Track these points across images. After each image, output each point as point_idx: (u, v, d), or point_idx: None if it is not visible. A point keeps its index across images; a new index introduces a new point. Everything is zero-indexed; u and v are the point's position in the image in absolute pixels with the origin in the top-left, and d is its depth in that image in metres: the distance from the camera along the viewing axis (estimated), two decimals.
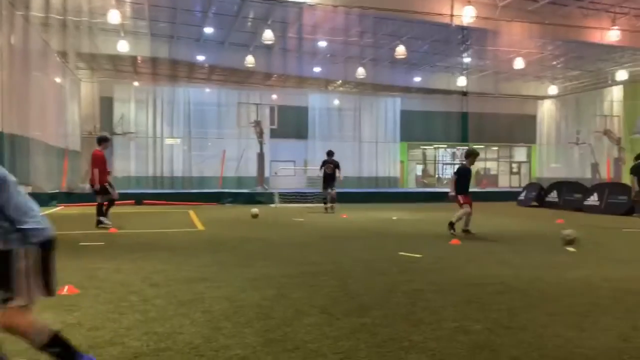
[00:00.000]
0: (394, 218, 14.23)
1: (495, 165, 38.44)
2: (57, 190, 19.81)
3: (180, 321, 4.25)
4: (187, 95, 33.48)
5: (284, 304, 4.84)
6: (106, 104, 31.76)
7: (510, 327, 4.25)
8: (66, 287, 5.13)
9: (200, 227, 11.84)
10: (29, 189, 18.19)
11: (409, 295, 5.28)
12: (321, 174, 16.26)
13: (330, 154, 16.25)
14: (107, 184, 10.92)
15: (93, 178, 10.78)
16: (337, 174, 16.01)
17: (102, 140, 11.32)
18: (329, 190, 15.76)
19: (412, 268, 6.78)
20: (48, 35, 22.75)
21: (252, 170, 30.68)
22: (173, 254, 7.76)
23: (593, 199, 17.15)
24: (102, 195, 10.92)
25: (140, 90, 32.82)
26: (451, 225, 10.08)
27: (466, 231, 10.21)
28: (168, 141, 33.23)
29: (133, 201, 18.28)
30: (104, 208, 10.93)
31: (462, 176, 10.42)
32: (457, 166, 35.89)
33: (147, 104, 32.81)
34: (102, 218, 10.79)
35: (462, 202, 10.17)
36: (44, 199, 17.33)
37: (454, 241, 9.10)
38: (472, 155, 10.61)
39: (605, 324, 4.32)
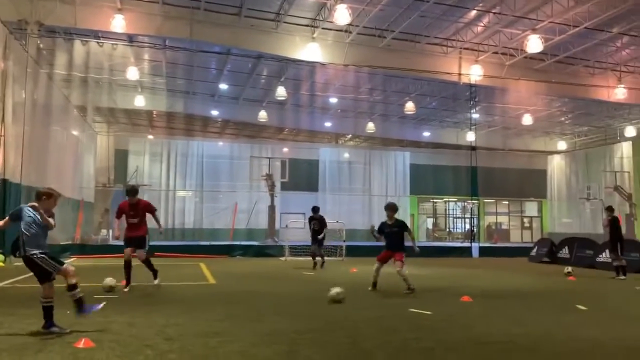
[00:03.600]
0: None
1: (506, 220, 38.36)
2: (69, 242, 20.05)
3: None
4: (201, 149, 34.19)
5: None
6: (121, 157, 32.48)
7: None
8: (83, 340, 5.24)
9: (211, 280, 11.92)
10: None
11: (420, 352, 5.33)
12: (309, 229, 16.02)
13: (315, 209, 16.05)
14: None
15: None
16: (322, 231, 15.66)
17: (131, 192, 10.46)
18: (316, 246, 15.49)
19: (422, 325, 6.80)
20: (68, 91, 23.64)
21: (262, 223, 30.87)
22: (186, 307, 7.85)
23: (605, 256, 17.01)
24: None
25: (154, 143, 33.62)
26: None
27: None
28: (180, 193, 33.69)
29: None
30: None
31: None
32: (468, 219, 36.15)
33: (161, 156, 33.51)
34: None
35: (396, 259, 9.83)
36: (56, 250, 17.53)
37: (465, 298, 9.10)
38: (388, 209, 10.12)
39: None
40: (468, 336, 6.16)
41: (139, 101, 28.46)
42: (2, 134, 15.79)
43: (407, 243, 10.23)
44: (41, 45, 19.98)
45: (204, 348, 5.29)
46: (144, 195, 31.65)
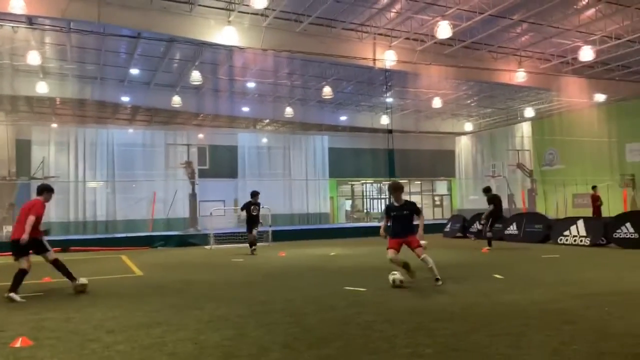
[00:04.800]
0: (332, 254, 14.60)
1: (419, 199, 40.15)
2: None
3: None
4: (111, 137, 32.68)
5: (246, 343, 5.01)
6: (23, 147, 30.33)
7: (457, 349, 4.68)
8: (20, 340, 5.01)
9: (137, 272, 11.61)
10: None
11: (363, 326, 5.60)
12: (243, 215, 15.95)
13: (254, 194, 15.90)
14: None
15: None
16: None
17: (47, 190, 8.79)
18: (254, 232, 15.54)
19: (359, 301, 7.11)
20: None
21: (180, 212, 30.20)
22: (119, 300, 7.64)
23: (512, 229, 18.46)
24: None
25: (60, 132, 31.70)
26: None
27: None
28: (91, 184, 32.09)
29: (59, 248, 17.47)
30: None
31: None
32: (384, 200, 37.51)
33: (68, 146, 31.69)
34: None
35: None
36: None
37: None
38: (396, 190, 8.79)
39: (538, 342, 4.84)
40: (403, 308, 6.54)
41: (42, 88, 26.61)
42: None
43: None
44: None
45: (150, 338, 5.24)
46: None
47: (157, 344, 5.00)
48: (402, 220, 8.54)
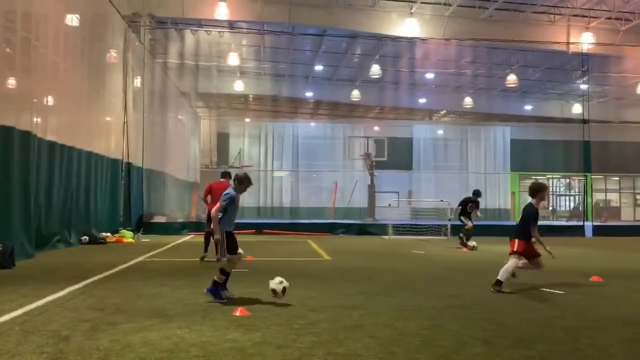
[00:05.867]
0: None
1: (616, 197, 35.97)
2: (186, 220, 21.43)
3: (354, 345, 4.57)
4: (296, 130, 35.01)
5: (444, 334, 5.02)
6: (222, 140, 34.05)
7: None
8: (239, 310, 5.68)
9: (326, 256, 12.31)
10: (164, 219, 19.91)
11: (567, 331, 5.24)
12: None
13: (477, 193, 15.36)
14: None
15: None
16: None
17: (229, 176, 10.75)
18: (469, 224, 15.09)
19: (559, 304, 6.66)
20: (174, 78, 25.02)
21: (357, 202, 31.17)
22: (314, 281, 8.20)
23: None
24: None
25: (252, 126, 34.87)
26: (499, 284, 7.47)
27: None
28: (277, 174, 34.79)
29: (253, 230, 19.32)
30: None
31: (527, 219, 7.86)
32: (574, 197, 34.13)
33: (259, 138, 34.73)
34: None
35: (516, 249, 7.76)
36: (175, 228, 18.86)
37: (595, 278, 8.75)
38: (540, 191, 8.04)
39: None
40: (612, 316, 5.95)
41: (239, 86, 29.52)
42: (126, 120, 17.11)
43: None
44: (149, 37, 21.24)
45: (349, 319, 5.53)
46: None
47: (358, 326, 5.26)
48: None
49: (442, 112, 36.53)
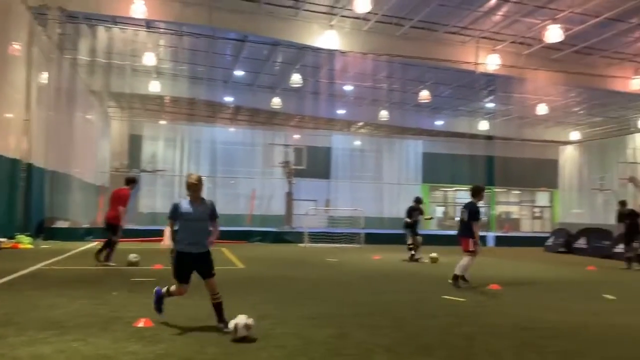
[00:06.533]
0: (425, 260, 14.39)
1: (516, 209, 38.45)
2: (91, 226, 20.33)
3: (259, 355, 4.54)
4: (214, 135, 34.40)
5: (350, 343, 5.11)
6: (135, 142, 32.73)
7: None
8: (143, 320, 5.46)
9: (239, 264, 12.15)
10: (67, 224, 18.78)
11: (465, 337, 5.51)
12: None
13: (418, 200, 15.70)
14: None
15: (119, 216, 10.82)
16: None
17: (132, 182, 11.45)
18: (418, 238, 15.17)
19: (459, 312, 6.99)
20: (84, 76, 23.78)
21: (275, 209, 31.10)
22: (226, 291, 7.93)
23: (622, 246, 17.14)
24: (117, 234, 10.98)
25: (168, 128, 33.83)
26: (456, 279, 8.91)
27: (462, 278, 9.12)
28: None
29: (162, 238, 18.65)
30: (107, 249, 10.93)
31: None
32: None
33: (174, 142, 33.76)
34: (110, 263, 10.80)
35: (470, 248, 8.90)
36: (81, 234, 17.84)
37: (494, 285, 9.28)
38: (481, 192, 9.39)
39: None
40: (507, 322, 6.34)
41: (154, 87, 28.54)
42: (28, 118, 16.01)
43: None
44: (58, 31, 20.07)
45: (258, 329, 5.46)
46: (157, 180, 32.26)
47: (267, 335, 5.23)
48: None
49: (359, 124, 37.34)
